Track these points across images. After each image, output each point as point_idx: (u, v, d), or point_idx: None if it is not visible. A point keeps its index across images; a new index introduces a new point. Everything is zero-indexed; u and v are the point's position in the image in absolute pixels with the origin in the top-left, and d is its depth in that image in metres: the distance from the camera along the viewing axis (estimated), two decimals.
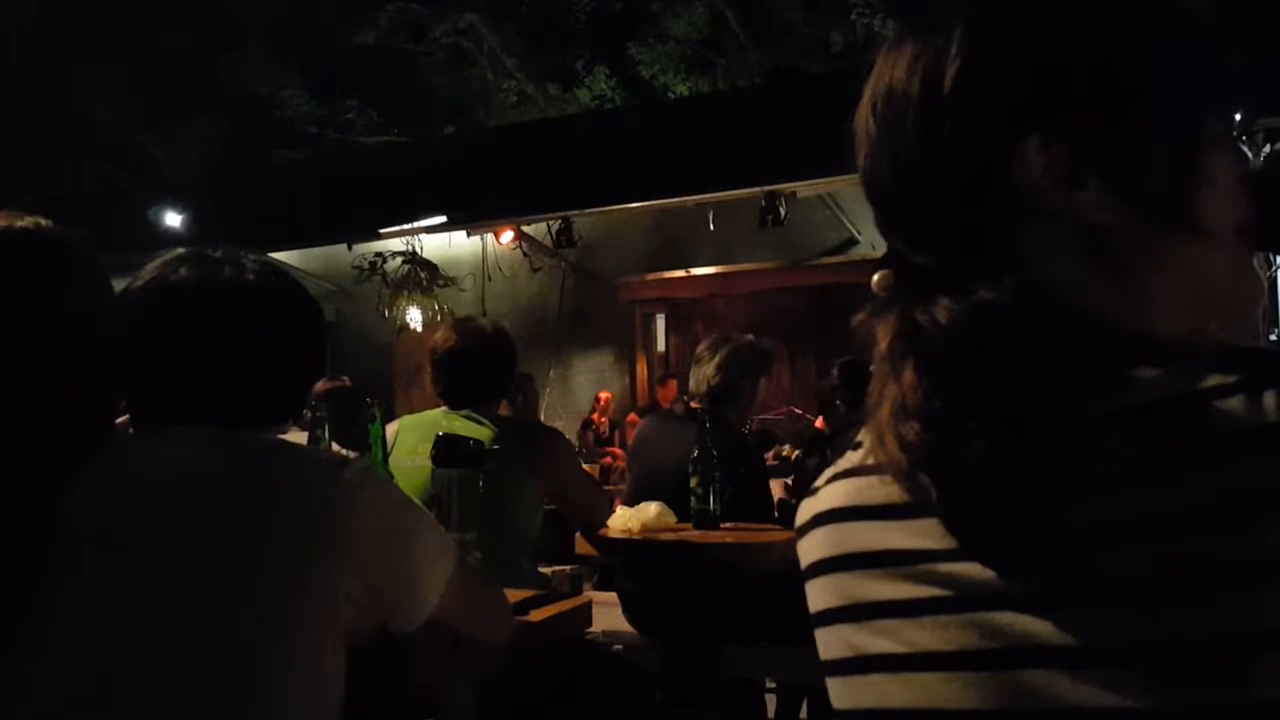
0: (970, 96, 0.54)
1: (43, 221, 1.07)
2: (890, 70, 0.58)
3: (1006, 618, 0.48)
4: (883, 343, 0.55)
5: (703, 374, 2.78)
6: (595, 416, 8.08)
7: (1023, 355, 0.51)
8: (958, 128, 0.54)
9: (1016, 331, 0.51)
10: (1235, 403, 0.45)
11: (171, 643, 0.93)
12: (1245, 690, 0.42)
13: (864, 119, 0.60)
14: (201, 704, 0.92)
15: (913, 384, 0.52)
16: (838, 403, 3.66)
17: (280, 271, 1.20)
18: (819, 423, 6.15)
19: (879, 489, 0.55)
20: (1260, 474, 0.44)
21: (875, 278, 0.58)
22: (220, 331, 1.09)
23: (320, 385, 4.16)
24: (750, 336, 2.96)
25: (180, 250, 1.13)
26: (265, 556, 0.96)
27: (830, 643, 0.58)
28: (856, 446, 0.60)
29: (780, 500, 3.09)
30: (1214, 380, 0.46)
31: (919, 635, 0.51)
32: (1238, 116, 0.56)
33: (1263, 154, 0.56)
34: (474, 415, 2.26)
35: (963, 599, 0.50)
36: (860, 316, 0.58)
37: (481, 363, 2.30)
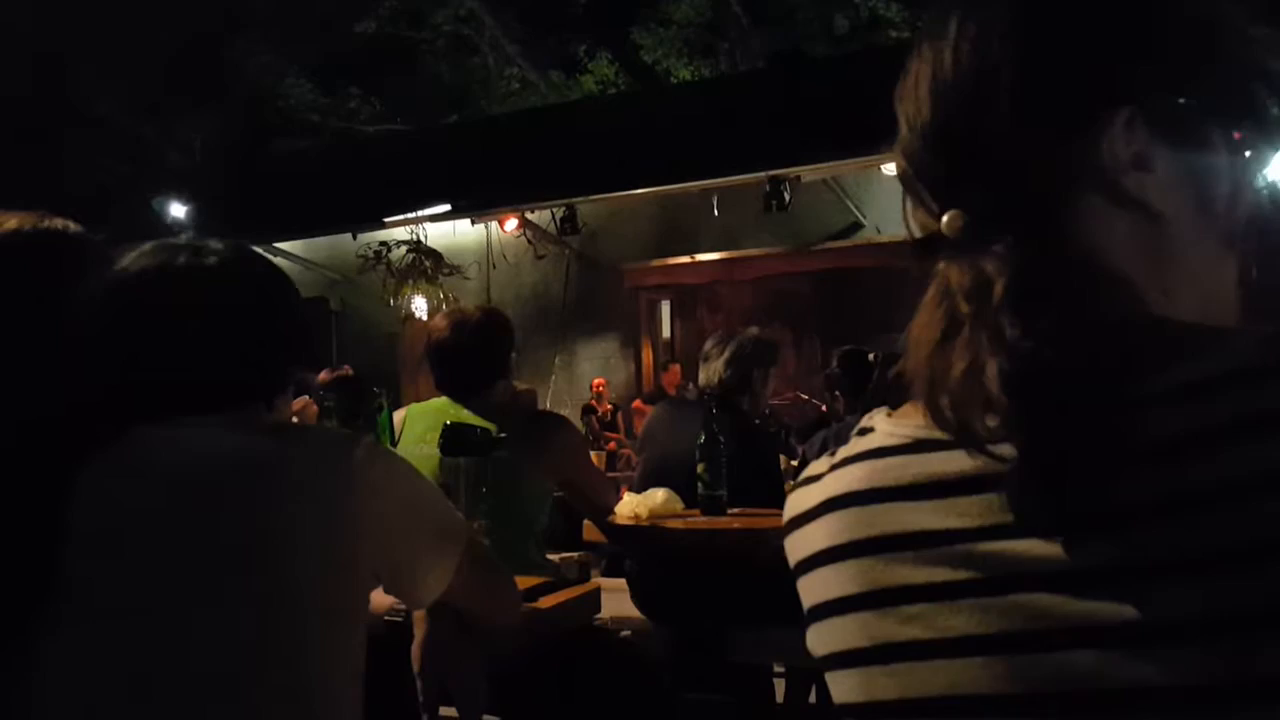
0: (1060, 70, 0.55)
1: (72, 225, 1.07)
2: (962, 37, 0.57)
3: (1054, 599, 0.46)
4: (961, 285, 0.52)
5: (713, 369, 2.80)
6: (594, 403, 8.11)
7: (1100, 321, 0.50)
8: (1045, 99, 0.55)
9: (1090, 295, 0.51)
10: None
11: (185, 638, 0.94)
12: None
13: (922, 81, 0.59)
14: (224, 695, 0.93)
15: (990, 344, 0.49)
16: (837, 393, 3.64)
17: (247, 254, 1.18)
18: (825, 407, 6.16)
19: (903, 469, 0.54)
20: None
21: (947, 217, 0.55)
22: (179, 316, 1.08)
23: (323, 375, 4.16)
24: (755, 329, 2.98)
25: (144, 244, 1.13)
26: (284, 541, 0.96)
27: (841, 633, 0.55)
28: (863, 432, 0.58)
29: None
30: (1277, 355, 0.46)
31: (955, 620, 0.49)
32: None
33: None
34: (478, 403, 2.26)
35: (1004, 580, 0.48)
36: (921, 260, 0.56)
37: (472, 353, 2.30)
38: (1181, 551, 0.44)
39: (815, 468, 0.61)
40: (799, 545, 0.60)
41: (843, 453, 0.59)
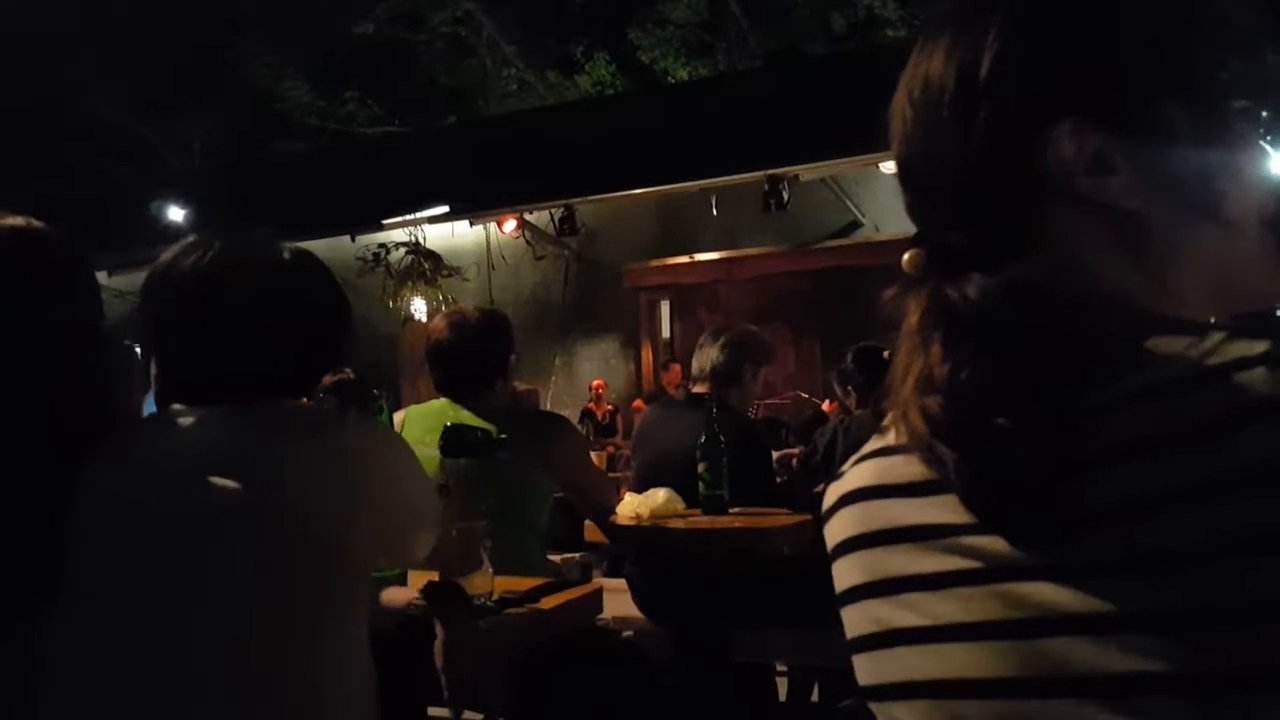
0: (1005, 83, 0.56)
1: (34, 222, 1.07)
2: (928, 59, 0.59)
3: (1030, 588, 0.49)
4: (912, 318, 0.56)
5: (707, 356, 2.81)
6: (592, 405, 8.10)
7: (1052, 331, 0.52)
8: (992, 113, 0.56)
9: (1046, 308, 0.53)
10: (1258, 374, 0.46)
11: (183, 629, 0.94)
12: (1270, 655, 0.43)
13: (900, 107, 0.61)
14: (224, 684, 0.93)
15: (940, 358, 0.53)
16: (849, 388, 3.68)
17: (310, 254, 1.22)
18: (825, 406, 6.17)
19: (904, 467, 0.56)
20: (1276, 445, 0.44)
21: (905, 257, 0.58)
22: (251, 309, 1.11)
23: (326, 378, 4.16)
24: (753, 327, 3.02)
25: (210, 234, 1.15)
26: (282, 525, 0.97)
27: (857, 619, 0.59)
28: (883, 430, 0.61)
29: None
30: (1238, 354, 0.47)
31: (943, 607, 0.52)
32: (1265, 114, 0.57)
33: None
34: (478, 404, 2.26)
35: (987, 571, 0.51)
36: (890, 293, 0.59)
37: (471, 353, 2.31)
38: (1142, 548, 0.46)
39: (845, 465, 0.64)
40: (828, 538, 0.63)
41: (863, 450, 0.62)
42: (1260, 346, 0.47)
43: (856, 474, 0.61)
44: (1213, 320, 0.55)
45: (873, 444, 0.61)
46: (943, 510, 0.53)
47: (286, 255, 1.15)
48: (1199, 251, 0.56)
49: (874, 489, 0.59)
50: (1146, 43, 0.55)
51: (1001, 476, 0.50)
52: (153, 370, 1.11)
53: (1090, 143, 0.54)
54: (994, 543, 0.51)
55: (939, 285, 0.55)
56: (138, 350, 1.16)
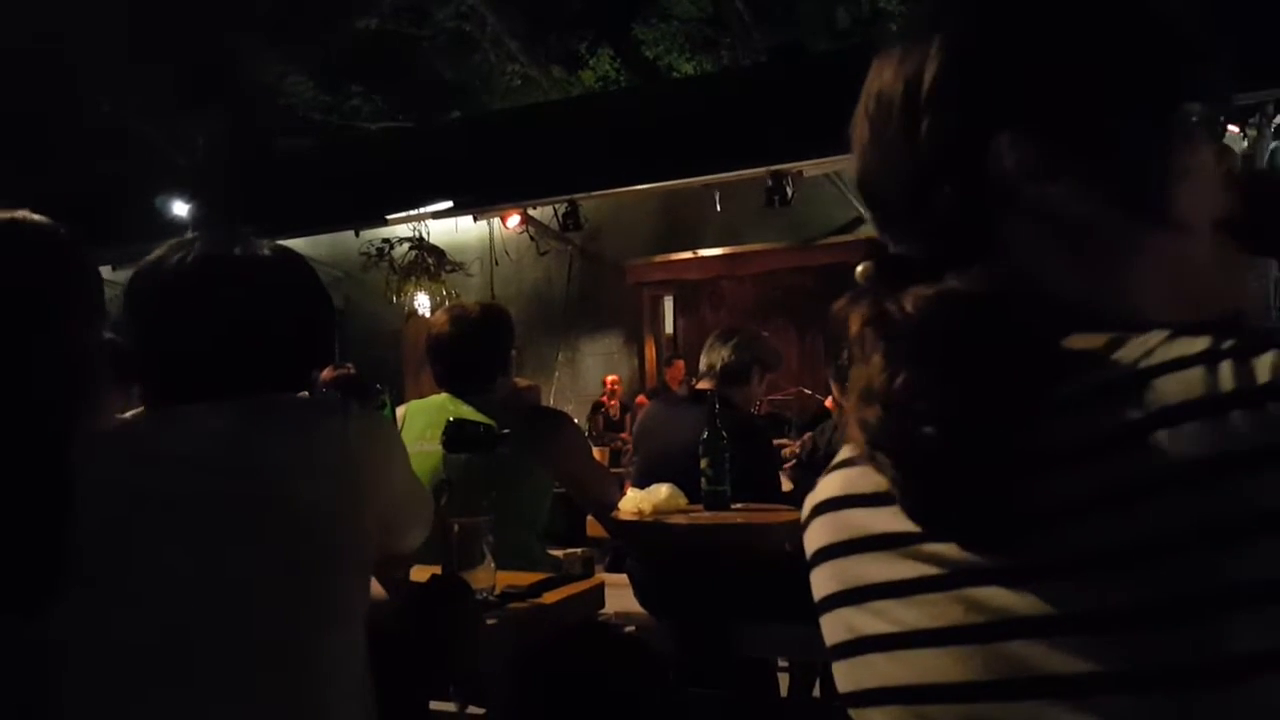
0: (947, 95, 0.56)
1: (33, 215, 1.08)
2: (880, 74, 0.60)
3: (986, 592, 0.50)
4: (854, 329, 0.57)
5: (716, 354, 2.83)
6: (605, 399, 8.09)
7: (987, 340, 0.52)
8: (934, 125, 0.56)
9: (981, 317, 0.53)
10: (1195, 373, 0.46)
11: (187, 621, 0.94)
12: (1214, 647, 0.44)
13: (858, 122, 0.62)
14: (230, 673, 0.94)
15: (879, 369, 0.54)
16: (845, 384, 3.69)
17: (291, 251, 1.23)
18: (828, 402, 6.17)
19: (865, 477, 0.57)
20: (1212, 442, 0.45)
21: (859, 269, 0.60)
22: (235, 305, 1.12)
23: (327, 373, 4.17)
24: (766, 334, 3.06)
25: (191, 235, 1.16)
26: (296, 518, 0.98)
27: (832, 627, 0.60)
28: (848, 441, 0.61)
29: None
30: (1177, 353, 0.47)
31: (909, 614, 0.53)
32: (1219, 117, 0.57)
33: (1273, 126, 0.57)
34: (479, 400, 2.26)
35: (948, 576, 0.52)
36: (838, 305, 0.59)
37: (472, 347, 2.31)
38: (1085, 550, 0.47)
39: (821, 476, 0.65)
40: (806, 547, 0.64)
41: (834, 460, 0.63)
42: (1199, 344, 0.47)
43: (827, 485, 0.62)
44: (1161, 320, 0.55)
45: (841, 454, 0.62)
46: (903, 518, 0.54)
47: (266, 252, 1.16)
48: (1151, 256, 0.55)
49: (841, 499, 0.60)
50: (1087, 51, 0.55)
51: (932, 484, 0.51)
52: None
53: (1033, 152, 0.54)
54: (951, 549, 0.52)
55: (879, 297, 0.56)
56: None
